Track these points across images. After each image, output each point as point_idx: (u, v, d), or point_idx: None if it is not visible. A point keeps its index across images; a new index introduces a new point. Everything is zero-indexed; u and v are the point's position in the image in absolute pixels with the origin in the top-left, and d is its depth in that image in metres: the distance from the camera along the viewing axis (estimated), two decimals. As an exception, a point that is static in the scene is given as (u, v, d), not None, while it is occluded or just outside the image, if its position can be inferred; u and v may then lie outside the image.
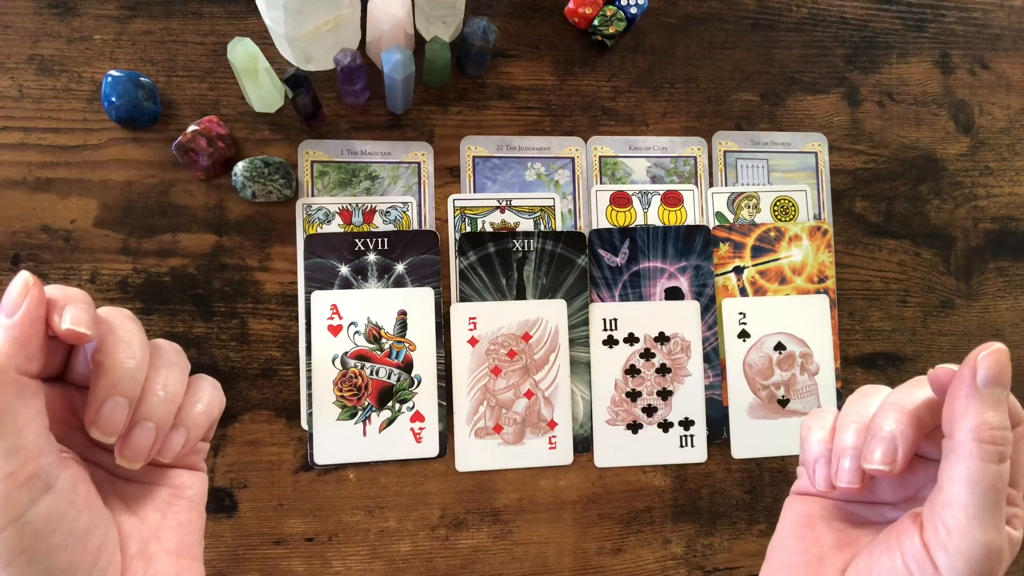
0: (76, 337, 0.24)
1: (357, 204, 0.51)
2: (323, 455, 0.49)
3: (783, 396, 0.54)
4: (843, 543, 0.28)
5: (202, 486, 0.29)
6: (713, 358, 0.54)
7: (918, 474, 0.28)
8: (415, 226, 0.52)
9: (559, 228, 0.53)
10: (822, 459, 0.28)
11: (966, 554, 0.22)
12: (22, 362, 0.22)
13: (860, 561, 0.26)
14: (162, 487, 0.28)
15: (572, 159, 0.54)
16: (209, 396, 0.29)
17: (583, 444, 0.52)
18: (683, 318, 0.53)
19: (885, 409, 0.26)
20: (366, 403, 0.49)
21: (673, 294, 0.54)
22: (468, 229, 0.52)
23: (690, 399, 0.53)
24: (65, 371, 0.27)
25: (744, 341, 0.54)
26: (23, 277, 0.23)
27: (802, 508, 0.30)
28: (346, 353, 0.49)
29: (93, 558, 0.23)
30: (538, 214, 0.53)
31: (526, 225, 0.53)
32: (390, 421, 0.50)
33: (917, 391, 0.26)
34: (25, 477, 0.22)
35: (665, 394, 0.53)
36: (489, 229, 0.52)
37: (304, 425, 0.49)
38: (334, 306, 0.50)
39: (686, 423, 0.53)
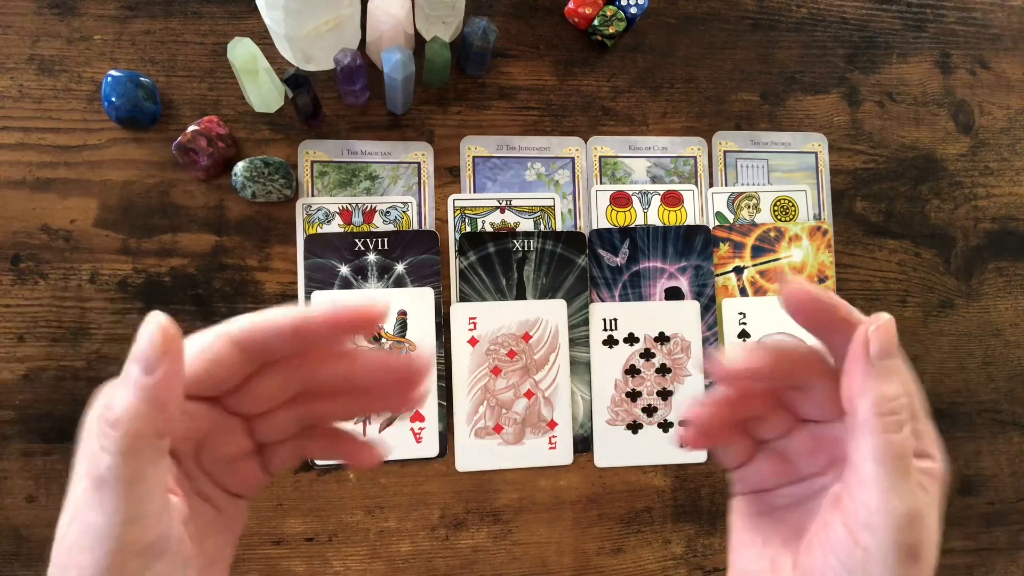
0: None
1: (357, 204, 0.51)
2: (323, 455, 0.49)
3: (783, 396, 0.54)
4: (788, 538, 0.27)
5: (245, 518, 0.28)
6: (713, 358, 0.54)
7: (826, 439, 0.27)
8: (415, 226, 0.52)
9: (559, 228, 0.53)
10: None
11: (890, 527, 0.22)
12: (162, 425, 0.20)
13: (800, 560, 0.26)
14: (222, 517, 0.26)
15: (572, 159, 0.54)
16: None
17: (583, 444, 0.52)
18: (683, 318, 0.53)
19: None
20: (366, 403, 0.49)
21: (673, 294, 0.54)
22: (468, 229, 0.52)
23: (690, 399, 0.53)
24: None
25: (744, 341, 0.54)
26: (159, 323, 0.20)
27: (743, 509, 0.30)
28: (346, 353, 0.49)
29: None
30: (538, 214, 0.53)
31: (526, 225, 0.53)
32: (390, 421, 0.50)
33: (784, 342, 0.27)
34: (144, 545, 0.20)
35: (665, 394, 0.53)
36: (489, 229, 0.52)
37: (304, 425, 0.49)
38: (334, 306, 0.50)
39: (686, 423, 0.53)
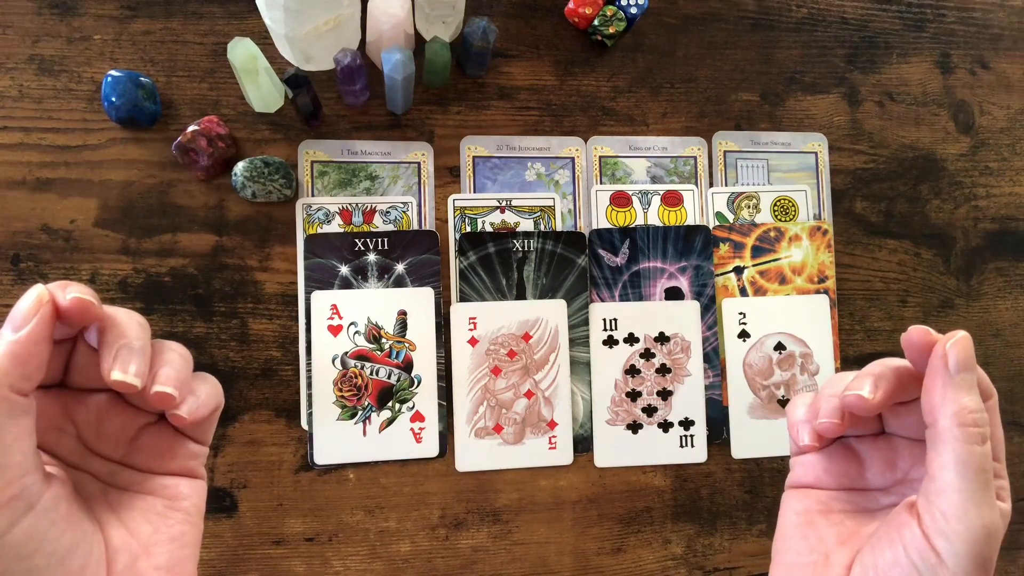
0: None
1: (357, 204, 0.51)
2: (323, 455, 0.49)
3: (783, 396, 0.54)
4: (845, 537, 0.28)
5: (200, 496, 0.28)
6: (713, 358, 0.54)
7: (904, 456, 0.28)
8: (415, 226, 0.52)
9: (559, 228, 0.53)
10: (805, 419, 0.29)
11: (965, 537, 0.23)
12: (17, 380, 0.22)
13: (864, 556, 0.26)
14: (157, 498, 0.27)
15: (572, 159, 0.54)
16: (212, 384, 0.28)
17: (583, 444, 0.52)
18: (683, 318, 0.53)
19: (866, 367, 0.27)
20: (366, 403, 0.49)
21: (673, 294, 0.54)
22: (468, 229, 0.52)
23: (690, 399, 0.53)
24: (64, 377, 0.27)
25: (744, 341, 0.54)
26: (37, 292, 0.22)
27: (799, 505, 0.30)
28: (346, 353, 0.49)
29: None
30: (538, 214, 0.53)
31: (526, 225, 0.53)
32: (390, 421, 0.50)
33: (895, 360, 0.27)
34: (7, 498, 0.21)
35: (665, 394, 0.53)
36: (489, 229, 0.52)
37: (304, 425, 0.49)
38: (334, 306, 0.50)
39: (686, 423, 0.53)
